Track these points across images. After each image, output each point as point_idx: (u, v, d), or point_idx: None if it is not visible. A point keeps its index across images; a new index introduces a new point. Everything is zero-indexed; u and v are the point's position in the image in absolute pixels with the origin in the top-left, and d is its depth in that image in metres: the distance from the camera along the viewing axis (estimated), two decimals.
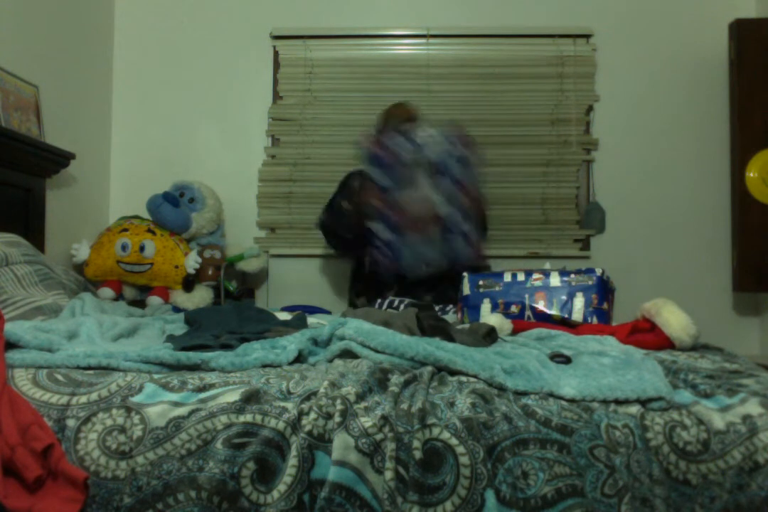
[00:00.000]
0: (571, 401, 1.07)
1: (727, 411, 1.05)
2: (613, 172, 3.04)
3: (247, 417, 1.02)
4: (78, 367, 1.17)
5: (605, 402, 1.06)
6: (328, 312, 2.49)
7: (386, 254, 2.25)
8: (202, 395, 1.07)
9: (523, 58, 3.05)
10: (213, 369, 1.19)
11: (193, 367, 1.20)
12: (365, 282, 2.51)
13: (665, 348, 1.45)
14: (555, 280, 1.83)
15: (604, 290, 1.80)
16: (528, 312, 1.81)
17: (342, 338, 1.32)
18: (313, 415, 1.01)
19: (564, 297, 1.80)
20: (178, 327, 1.75)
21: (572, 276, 1.83)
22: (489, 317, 1.71)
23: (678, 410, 1.05)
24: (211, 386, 1.09)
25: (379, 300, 2.22)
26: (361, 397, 1.05)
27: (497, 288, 1.87)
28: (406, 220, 2.22)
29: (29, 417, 1.00)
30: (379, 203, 2.24)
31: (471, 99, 3.06)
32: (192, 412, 1.03)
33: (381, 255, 2.26)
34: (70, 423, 1.03)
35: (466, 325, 1.61)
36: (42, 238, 2.37)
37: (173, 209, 2.57)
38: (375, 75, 3.08)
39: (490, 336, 1.51)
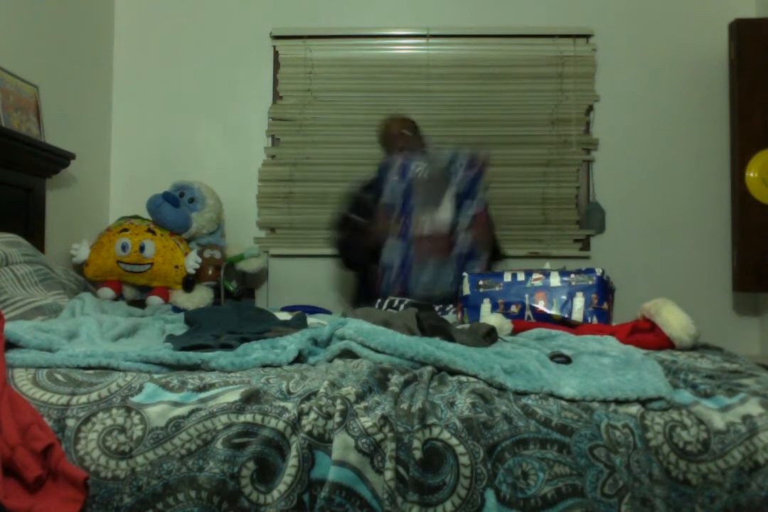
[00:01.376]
0: (571, 401, 1.07)
1: (727, 411, 1.05)
2: (613, 172, 3.04)
3: (247, 417, 1.02)
4: (78, 367, 1.17)
5: (605, 402, 1.06)
6: (328, 312, 2.49)
7: (397, 277, 2.22)
8: (202, 395, 1.07)
9: (523, 58, 3.05)
10: (213, 369, 1.19)
11: (193, 367, 1.20)
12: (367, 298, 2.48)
13: (665, 348, 1.45)
14: (555, 280, 1.83)
15: (604, 290, 1.80)
16: (528, 312, 1.81)
17: (342, 338, 1.32)
18: (313, 415, 1.01)
19: (564, 297, 1.80)
20: (178, 327, 1.75)
21: (572, 276, 1.83)
22: (489, 317, 1.71)
23: (678, 410, 1.05)
24: (211, 386, 1.09)
25: (379, 300, 2.22)
26: (361, 397, 1.05)
27: (497, 288, 1.87)
28: (420, 242, 2.19)
29: (29, 417, 1.00)
30: (394, 226, 2.21)
31: (471, 99, 3.06)
32: (192, 412, 1.03)
33: (392, 277, 2.23)
34: (70, 423, 1.03)
35: (466, 325, 1.61)
36: (42, 238, 2.37)
37: (173, 209, 2.57)
38: (375, 75, 3.08)
39: (490, 336, 1.51)
